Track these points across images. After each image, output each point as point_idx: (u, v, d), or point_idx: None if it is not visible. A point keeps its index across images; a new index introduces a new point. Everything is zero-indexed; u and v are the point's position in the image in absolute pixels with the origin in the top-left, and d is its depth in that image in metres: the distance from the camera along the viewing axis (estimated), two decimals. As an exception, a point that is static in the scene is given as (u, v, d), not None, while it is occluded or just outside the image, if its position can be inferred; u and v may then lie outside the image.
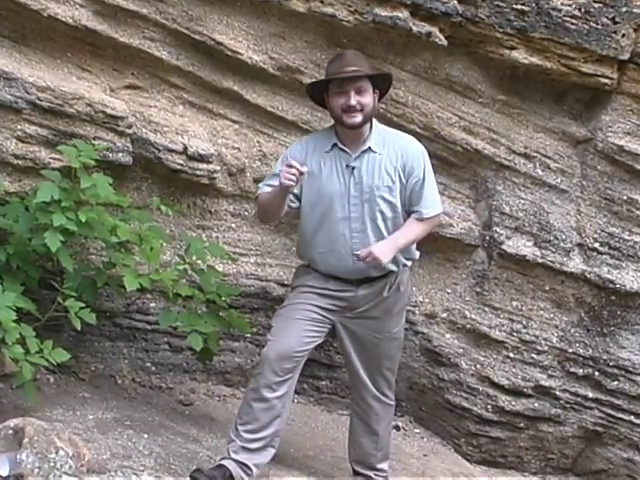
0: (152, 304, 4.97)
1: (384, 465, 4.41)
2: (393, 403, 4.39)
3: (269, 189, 4.14)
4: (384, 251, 4.04)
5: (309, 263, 4.28)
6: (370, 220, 4.11)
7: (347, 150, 4.11)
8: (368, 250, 4.02)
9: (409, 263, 4.30)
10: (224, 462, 4.04)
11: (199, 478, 3.92)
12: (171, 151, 4.75)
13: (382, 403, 4.33)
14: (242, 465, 4.03)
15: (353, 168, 4.09)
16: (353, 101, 4.02)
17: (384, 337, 4.25)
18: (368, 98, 4.06)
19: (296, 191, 4.10)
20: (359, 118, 4.04)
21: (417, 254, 4.36)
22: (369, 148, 4.11)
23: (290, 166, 3.91)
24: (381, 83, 4.19)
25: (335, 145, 4.13)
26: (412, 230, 4.16)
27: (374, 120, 4.18)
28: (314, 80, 4.35)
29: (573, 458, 5.55)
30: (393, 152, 4.13)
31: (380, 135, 4.16)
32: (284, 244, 5.18)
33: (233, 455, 4.05)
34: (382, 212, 4.11)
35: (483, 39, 4.97)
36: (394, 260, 4.16)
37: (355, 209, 4.09)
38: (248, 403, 4.11)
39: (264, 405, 4.08)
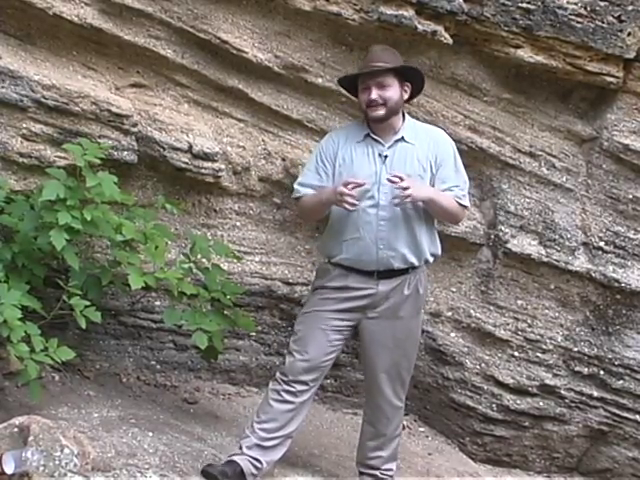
0: (157, 302, 4.97)
1: (391, 465, 4.40)
2: (402, 405, 4.37)
3: (311, 191, 4.17)
4: (419, 187, 4.04)
5: (330, 257, 4.25)
6: (399, 208, 4.09)
7: (380, 140, 4.15)
8: (406, 182, 3.99)
9: (432, 259, 4.27)
10: (235, 458, 4.07)
11: (211, 473, 3.95)
12: (176, 149, 4.74)
13: (394, 407, 4.31)
14: (254, 460, 4.06)
15: (386, 157, 4.13)
16: (374, 95, 4.09)
17: (405, 337, 4.23)
18: (391, 92, 4.11)
19: (331, 184, 4.14)
20: (382, 111, 4.10)
21: (440, 250, 4.34)
22: (402, 138, 4.16)
23: (347, 184, 3.96)
24: (410, 76, 4.22)
25: (368, 135, 4.17)
26: (448, 198, 4.16)
27: (406, 115, 4.24)
28: (344, 76, 4.44)
29: (578, 457, 5.54)
30: (425, 143, 4.17)
31: (412, 127, 4.21)
32: (289, 242, 5.17)
33: (246, 451, 4.08)
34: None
35: (488, 38, 4.97)
36: (418, 252, 4.16)
37: (385, 197, 4.09)
38: (268, 402, 4.15)
39: (285, 407, 4.12)
